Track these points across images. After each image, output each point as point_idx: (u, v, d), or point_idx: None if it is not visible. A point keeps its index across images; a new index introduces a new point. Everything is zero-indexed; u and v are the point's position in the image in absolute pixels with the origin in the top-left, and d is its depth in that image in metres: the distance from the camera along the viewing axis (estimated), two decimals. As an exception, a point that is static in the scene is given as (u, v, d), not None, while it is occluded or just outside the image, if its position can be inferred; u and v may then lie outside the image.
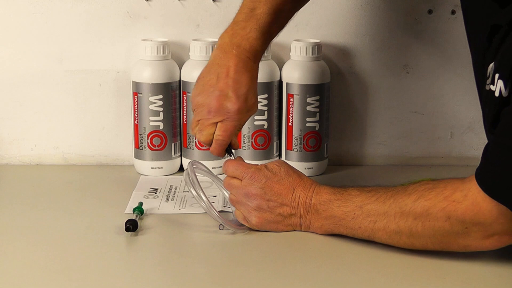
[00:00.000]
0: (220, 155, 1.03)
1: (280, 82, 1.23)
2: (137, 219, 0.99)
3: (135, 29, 1.24)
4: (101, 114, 1.27)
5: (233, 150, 1.04)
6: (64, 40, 1.24)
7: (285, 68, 1.22)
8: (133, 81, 1.21)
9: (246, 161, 1.20)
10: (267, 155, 1.23)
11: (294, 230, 0.98)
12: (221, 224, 0.97)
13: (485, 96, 0.86)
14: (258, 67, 1.02)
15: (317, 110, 1.21)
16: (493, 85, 0.82)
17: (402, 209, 0.89)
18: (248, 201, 0.97)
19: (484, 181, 0.83)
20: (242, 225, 0.99)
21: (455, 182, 0.87)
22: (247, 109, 1.01)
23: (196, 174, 1.01)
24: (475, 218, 0.84)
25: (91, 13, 1.24)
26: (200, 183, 1.00)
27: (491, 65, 0.84)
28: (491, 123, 0.84)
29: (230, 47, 1.01)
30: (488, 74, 0.85)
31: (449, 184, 0.87)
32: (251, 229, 0.99)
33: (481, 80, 0.88)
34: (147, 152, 1.22)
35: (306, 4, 1.24)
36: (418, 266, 0.89)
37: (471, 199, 0.84)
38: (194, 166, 1.03)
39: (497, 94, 0.81)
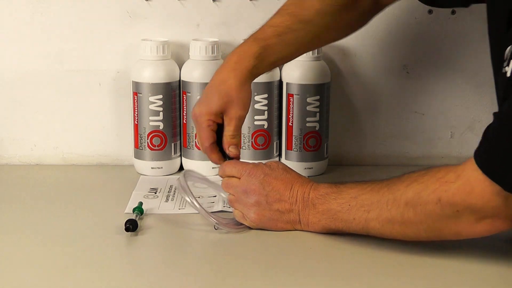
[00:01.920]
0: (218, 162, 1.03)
1: (280, 82, 1.22)
2: (137, 219, 0.99)
3: (135, 29, 1.24)
4: (101, 114, 1.27)
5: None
6: (64, 40, 1.24)
7: (285, 68, 1.22)
8: (133, 81, 1.21)
9: (246, 161, 1.20)
10: (267, 155, 1.23)
11: (294, 230, 0.98)
12: (216, 223, 0.98)
13: (501, 79, 0.85)
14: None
15: (317, 110, 1.21)
16: (508, 66, 0.81)
17: (394, 195, 0.88)
18: (246, 197, 0.97)
19: (480, 159, 0.82)
20: (240, 224, 0.99)
21: (449, 166, 0.86)
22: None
23: (191, 181, 1.03)
24: (467, 200, 0.82)
25: (91, 13, 1.24)
26: (191, 188, 1.00)
27: (509, 48, 0.82)
28: (500, 104, 0.83)
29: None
30: (505, 57, 0.83)
31: (443, 168, 0.86)
32: (249, 228, 0.99)
33: (498, 65, 0.86)
34: (147, 152, 1.22)
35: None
36: (418, 266, 0.89)
37: (464, 179, 0.83)
38: (186, 175, 1.03)
39: (508, 74, 0.80)
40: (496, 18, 0.88)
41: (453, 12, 1.25)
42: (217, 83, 1.02)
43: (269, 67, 1.06)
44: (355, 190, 0.93)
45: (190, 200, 0.99)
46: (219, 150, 1.03)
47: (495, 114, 0.83)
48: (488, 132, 0.83)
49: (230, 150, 1.02)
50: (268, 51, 1.03)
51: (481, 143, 0.83)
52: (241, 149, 1.22)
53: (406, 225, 0.88)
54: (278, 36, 1.04)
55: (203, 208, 0.98)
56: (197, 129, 1.03)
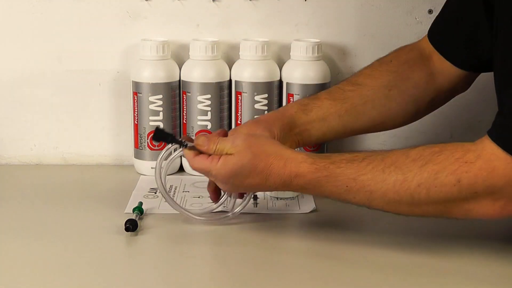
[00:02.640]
0: None
1: (280, 82, 1.22)
2: (137, 219, 0.99)
3: (135, 29, 1.24)
4: (101, 114, 1.27)
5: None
6: (64, 39, 1.24)
7: (285, 68, 1.22)
8: (133, 81, 1.21)
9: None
10: (267, 155, 1.23)
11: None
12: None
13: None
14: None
15: (317, 110, 1.21)
16: None
17: (405, 176, 0.84)
18: (221, 186, 0.95)
19: (499, 136, 0.80)
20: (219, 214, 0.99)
21: (465, 144, 0.83)
22: None
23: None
24: (488, 179, 0.81)
25: (91, 12, 1.24)
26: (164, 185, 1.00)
27: None
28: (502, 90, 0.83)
29: None
30: None
31: (459, 146, 0.83)
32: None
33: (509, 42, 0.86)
34: (147, 152, 1.22)
35: (306, 3, 1.25)
36: (418, 266, 0.89)
37: (485, 158, 0.81)
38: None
39: None
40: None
41: (453, 12, 1.25)
42: (275, 136, 1.01)
43: (316, 123, 1.05)
44: (352, 170, 0.87)
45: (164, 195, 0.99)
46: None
47: (506, 93, 0.83)
48: (504, 110, 0.82)
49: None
50: (316, 103, 1.05)
51: (496, 121, 0.82)
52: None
53: (415, 205, 0.85)
54: (328, 93, 1.06)
55: (176, 203, 1.00)
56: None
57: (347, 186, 0.87)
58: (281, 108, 1.10)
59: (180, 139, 0.97)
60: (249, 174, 0.91)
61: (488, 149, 0.81)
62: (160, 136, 0.99)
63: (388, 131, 1.30)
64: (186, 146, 0.96)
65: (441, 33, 1.06)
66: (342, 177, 0.88)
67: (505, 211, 0.83)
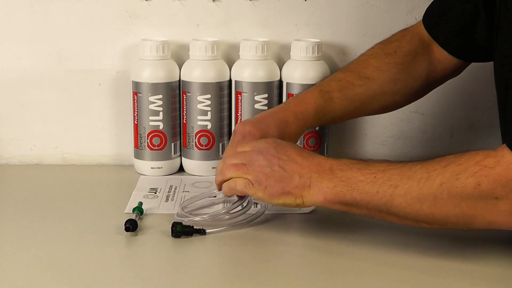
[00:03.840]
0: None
1: (280, 82, 1.22)
2: (136, 219, 0.99)
3: (135, 29, 1.24)
4: (101, 114, 1.27)
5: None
6: (64, 39, 1.24)
7: (285, 68, 1.22)
8: (133, 81, 1.21)
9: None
10: (267, 155, 1.23)
11: (296, 205, 0.92)
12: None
13: None
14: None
15: (317, 110, 1.21)
16: None
17: (429, 174, 0.84)
18: (257, 160, 0.94)
19: None
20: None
21: (486, 150, 0.83)
22: None
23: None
24: (508, 186, 0.80)
25: (90, 12, 1.24)
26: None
27: None
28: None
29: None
30: None
31: (480, 151, 0.83)
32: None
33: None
34: (147, 152, 1.22)
35: (306, 3, 1.25)
36: (418, 266, 0.89)
37: (505, 165, 0.80)
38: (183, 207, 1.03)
39: None
40: None
41: (453, 12, 1.25)
42: (277, 121, 1.03)
43: (326, 123, 1.12)
44: (384, 164, 0.88)
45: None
46: None
47: None
48: None
49: None
50: (329, 106, 1.07)
51: (510, 131, 0.82)
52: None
53: (437, 207, 0.84)
54: (340, 90, 1.08)
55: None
56: (231, 141, 1.02)
57: (374, 177, 0.87)
58: (300, 116, 1.06)
59: (199, 228, 0.97)
60: (294, 148, 0.95)
61: (508, 157, 0.81)
62: (180, 232, 0.97)
63: (387, 131, 1.30)
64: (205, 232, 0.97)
65: (436, 21, 1.08)
66: (372, 167, 0.88)
67: None
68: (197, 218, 0.98)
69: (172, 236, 0.95)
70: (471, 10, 1.01)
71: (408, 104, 1.15)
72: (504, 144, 0.82)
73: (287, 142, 0.97)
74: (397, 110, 1.28)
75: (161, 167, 1.22)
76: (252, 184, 0.93)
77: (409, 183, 0.85)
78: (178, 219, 0.99)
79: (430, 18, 1.10)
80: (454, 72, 1.11)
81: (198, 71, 1.20)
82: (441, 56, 1.08)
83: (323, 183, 0.90)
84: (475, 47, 1.03)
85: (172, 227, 0.96)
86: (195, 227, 0.96)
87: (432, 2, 1.10)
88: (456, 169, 0.83)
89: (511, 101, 0.88)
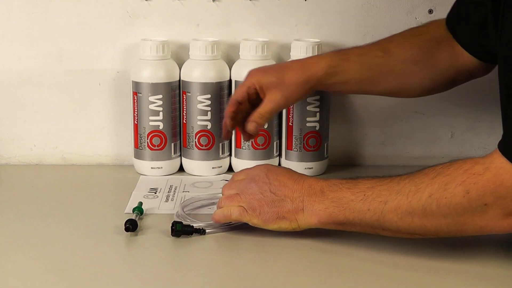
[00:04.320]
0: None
1: (280, 82, 1.22)
2: (136, 219, 0.99)
3: (135, 28, 1.24)
4: (101, 114, 1.27)
5: None
6: (64, 39, 1.24)
7: (285, 68, 1.22)
8: (132, 81, 1.21)
9: (246, 161, 1.20)
10: (267, 155, 1.23)
11: (292, 229, 0.94)
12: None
13: None
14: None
15: (317, 110, 1.21)
16: None
17: (417, 187, 0.85)
18: (250, 188, 0.95)
19: (508, 150, 0.80)
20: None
21: (475, 158, 0.83)
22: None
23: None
24: (497, 192, 0.80)
25: (90, 12, 1.23)
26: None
27: None
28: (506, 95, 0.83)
29: None
30: None
31: (469, 159, 0.84)
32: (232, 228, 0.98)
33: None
34: (147, 152, 1.22)
35: (306, 3, 1.25)
36: (417, 267, 0.89)
37: (493, 171, 0.80)
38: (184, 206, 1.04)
39: None
40: None
41: (453, 12, 1.25)
42: (282, 67, 1.07)
43: (337, 85, 1.08)
44: (372, 181, 0.89)
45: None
46: (238, 121, 1.07)
47: None
48: (509, 121, 0.82)
49: (249, 125, 1.03)
50: (344, 65, 1.06)
51: (506, 134, 0.82)
52: (241, 149, 1.22)
53: (428, 218, 0.84)
54: (359, 55, 1.07)
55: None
56: (239, 85, 1.08)
57: (364, 195, 0.89)
58: (309, 64, 1.08)
59: (198, 227, 0.97)
60: (285, 172, 0.97)
61: (497, 162, 0.81)
62: (180, 231, 0.97)
63: (387, 131, 1.30)
64: (205, 232, 0.97)
65: (456, 22, 1.07)
66: (361, 185, 0.90)
67: None
68: (197, 221, 0.99)
69: (172, 236, 0.95)
70: (482, 15, 1.00)
71: (423, 95, 1.13)
72: (496, 149, 0.82)
73: (280, 167, 1.00)
74: (397, 110, 1.29)
75: (161, 167, 1.22)
76: (247, 211, 0.95)
77: (398, 198, 0.86)
78: (177, 220, 0.99)
79: (450, 16, 1.09)
80: (477, 71, 1.08)
81: (198, 71, 1.19)
82: (463, 52, 1.06)
83: (315, 205, 0.92)
84: (489, 48, 1.01)
85: (172, 226, 0.96)
86: (195, 227, 0.96)
87: (454, 3, 1.09)
88: (444, 180, 0.83)
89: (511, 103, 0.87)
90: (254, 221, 0.95)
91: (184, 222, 0.97)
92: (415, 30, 1.11)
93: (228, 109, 1.07)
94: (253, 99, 1.07)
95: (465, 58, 1.06)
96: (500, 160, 0.81)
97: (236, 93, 1.08)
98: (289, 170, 0.99)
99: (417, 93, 1.12)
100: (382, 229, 0.89)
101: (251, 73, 1.08)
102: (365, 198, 0.88)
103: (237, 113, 1.07)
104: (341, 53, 1.09)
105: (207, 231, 0.97)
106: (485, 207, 0.81)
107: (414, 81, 1.09)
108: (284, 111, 1.22)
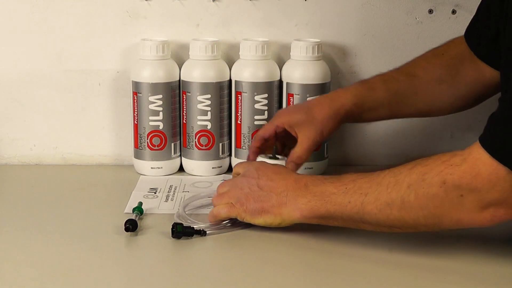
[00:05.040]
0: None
1: (280, 82, 1.22)
2: (136, 219, 0.99)
3: (135, 28, 1.24)
4: (101, 114, 1.27)
5: None
6: (64, 39, 1.24)
7: (285, 68, 1.22)
8: (132, 81, 1.21)
9: (246, 160, 1.20)
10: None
11: (278, 224, 0.94)
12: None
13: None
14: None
15: (317, 110, 1.21)
16: None
17: (396, 178, 0.86)
18: (240, 183, 0.97)
19: (487, 141, 0.81)
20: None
21: (454, 151, 0.84)
22: None
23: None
24: (472, 183, 0.81)
25: (90, 12, 1.23)
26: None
27: None
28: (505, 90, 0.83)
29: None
30: None
31: (448, 152, 0.85)
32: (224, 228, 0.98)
33: None
34: (147, 152, 1.22)
35: (306, 3, 1.25)
36: (417, 267, 0.89)
37: (470, 162, 0.81)
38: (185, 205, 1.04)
39: None
40: None
41: (453, 12, 1.25)
42: (309, 104, 1.09)
43: (366, 113, 1.10)
44: (355, 175, 0.91)
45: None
46: (263, 153, 1.09)
47: (500, 99, 0.83)
48: (494, 116, 0.82)
49: (289, 165, 1.04)
50: (371, 95, 1.07)
51: (487, 127, 0.82)
52: (241, 149, 1.22)
53: (406, 210, 0.85)
54: (384, 82, 1.08)
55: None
56: (267, 123, 1.10)
57: (346, 188, 0.89)
58: (336, 97, 1.09)
59: (199, 229, 0.96)
60: (275, 169, 0.98)
61: (475, 153, 0.81)
62: (181, 233, 0.97)
63: (387, 131, 1.30)
64: (205, 233, 0.97)
65: (473, 36, 1.08)
66: (344, 179, 0.91)
67: (496, 217, 0.82)
68: (198, 222, 0.99)
69: (173, 237, 0.95)
70: (496, 25, 1.00)
71: (453, 112, 1.13)
72: (476, 142, 0.82)
73: (272, 165, 1.01)
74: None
75: (161, 167, 1.22)
76: (234, 206, 0.96)
77: (378, 189, 0.87)
78: (177, 220, 0.99)
79: (468, 30, 1.09)
80: None
81: (198, 71, 1.19)
82: (486, 66, 1.06)
83: (298, 199, 0.93)
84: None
85: (172, 228, 0.96)
86: (195, 228, 0.96)
87: (473, 16, 1.09)
88: (422, 170, 0.84)
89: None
90: (242, 215, 0.96)
91: (185, 224, 0.97)
92: (437, 50, 1.11)
93: (253, 144, 1.09)
94: (282, 137, 1.09)
95: (489, 72, 1.06)
96: (478, 151, 0.81)
97: (263, 129, 1.09)
98: (280, 166, 1.00)
99: (447, 111, 1.13)
100: (362, 222, 0.89)
101: (279, 114, 1.10)
102: (346, 191, 0.89)
103: (262, 149, 1.09)
104: (365, 83, 1.10)
105: (208, 232, 0.97)
106: (461, 198, 0.82)
107: (442, 100, 1.10)
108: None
